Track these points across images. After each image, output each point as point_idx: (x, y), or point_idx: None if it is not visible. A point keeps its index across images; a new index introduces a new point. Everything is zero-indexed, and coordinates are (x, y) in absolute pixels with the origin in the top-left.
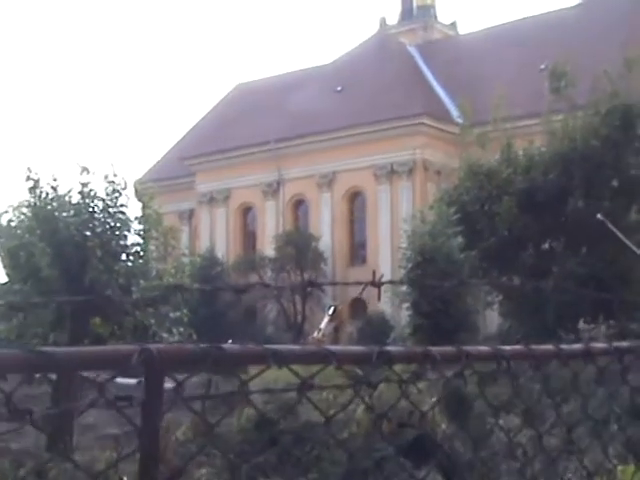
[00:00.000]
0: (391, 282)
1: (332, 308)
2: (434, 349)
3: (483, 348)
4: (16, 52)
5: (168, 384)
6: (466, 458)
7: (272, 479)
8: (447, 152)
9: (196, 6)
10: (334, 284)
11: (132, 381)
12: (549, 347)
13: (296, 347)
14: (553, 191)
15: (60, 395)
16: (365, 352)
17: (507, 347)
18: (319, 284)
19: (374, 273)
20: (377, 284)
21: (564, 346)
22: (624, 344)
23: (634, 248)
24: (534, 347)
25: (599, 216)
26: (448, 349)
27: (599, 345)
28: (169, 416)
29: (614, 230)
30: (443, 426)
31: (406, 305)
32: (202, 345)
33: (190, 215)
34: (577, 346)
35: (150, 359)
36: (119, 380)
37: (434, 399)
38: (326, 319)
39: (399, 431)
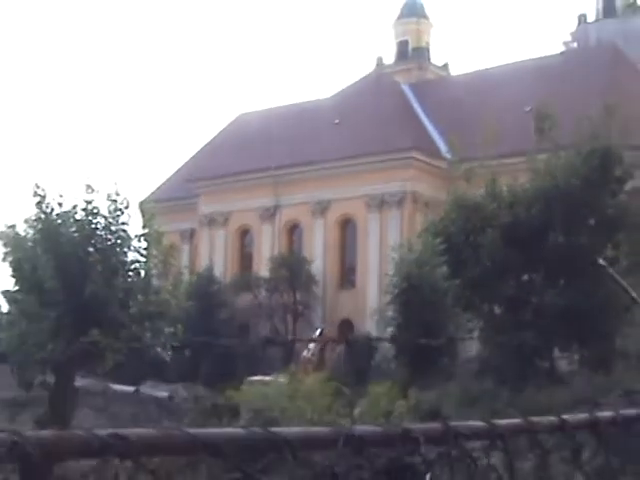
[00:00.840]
0: (332, 340)
1: (319, 330)
2: (417, 428)
3: (475, 425)
4: (23, 69)
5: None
6: None
7: None
8: (435, 185)
9: (206, 39)
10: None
11: (129, 389)
12: (551, 419)
13: (236, 431)
14: (535, 226)
15: (58, 400)
16: (329, 435)
17: (503, 421)
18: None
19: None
20: (313, 340)
21: (566, 417)
22: (632, 412)
23: (633, 293)
24: (533, 420)
25: (601, 261)
26: (434, 427)
27: (606, 414)
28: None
29: (614, 275)
30: (422, 448)
31: (390, 329)
32: (100, 433)
33: (191, 234)
34: (583, 416)
35: (25, 454)
36: (115, 387)
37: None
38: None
39: (380, 453)
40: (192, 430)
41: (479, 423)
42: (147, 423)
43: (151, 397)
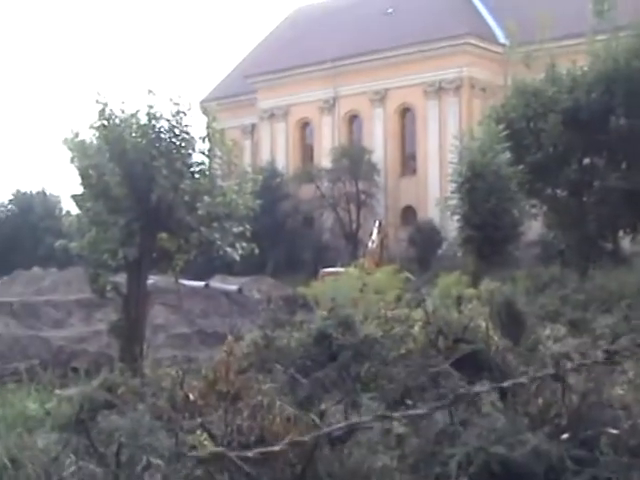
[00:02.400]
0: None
1: (378, 222)
2: None
3: None
4: None
5: (195, 282)
6: (518, 371)
7: (331, 394)
8: (492, 70)
9: None
10: None
11: (199, 284)
12: None
13: None
14: (596, 109)
15: (130, 305)
16: None
17: None
18: None
19: None
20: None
21: None
22: None
23: None
24: None
25: None
26: None
27: None
28: (230, 339)
29: None
30: (496, 339)
31: (456, 217)
32: None
33: (252, 129)
34: None
35: None
36: (186, 282)
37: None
38: (375, 231)
39: (454, 346)
40: None
41: None
42: (218, 317)
43: (221, 291)
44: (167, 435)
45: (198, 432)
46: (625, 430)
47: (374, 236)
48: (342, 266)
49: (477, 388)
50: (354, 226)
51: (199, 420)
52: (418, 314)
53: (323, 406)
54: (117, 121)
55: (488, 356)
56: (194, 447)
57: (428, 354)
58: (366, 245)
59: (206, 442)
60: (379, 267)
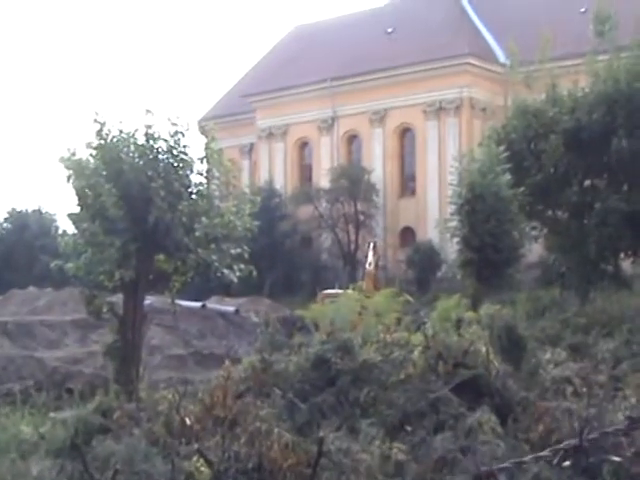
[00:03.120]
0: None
1: (372, 244)
2: None
3: None
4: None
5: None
6: (519, 397)
7: (330, 420)
8: (492, 91)
9: None
10: None
11: (196, 304)
12: None
13: None
14: (597, 131)
15: (126, 327)
16: None
17: None
18: None
19: None
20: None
21: None
22: None
23: None
24: None
25: None
26: None
27: None
28: (228, 364)
29: None
30: (496, 364)
31: (456, 239)
32: None
33: (250, 149)
34: None
35: None
36: (182, 303)
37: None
38: (370, 253)
39: (454, 371)
40: None
41: None
42: (215, 339)
43: (218, 312)
44: (163, 461)
45: (195, 458)
46: (627, 457)
47: (370, 258)
48: (340, 287)
49: (477, 414)
50: (352, 247)
51: (196, 446)
52: (417, 338)
53: (322, 433)
54: (114, 141)
55: (488, 381)
56: (191, 474)
57: (427, 379)
58: (365, 267)
59: (203, 468)
60: (378, 289)
